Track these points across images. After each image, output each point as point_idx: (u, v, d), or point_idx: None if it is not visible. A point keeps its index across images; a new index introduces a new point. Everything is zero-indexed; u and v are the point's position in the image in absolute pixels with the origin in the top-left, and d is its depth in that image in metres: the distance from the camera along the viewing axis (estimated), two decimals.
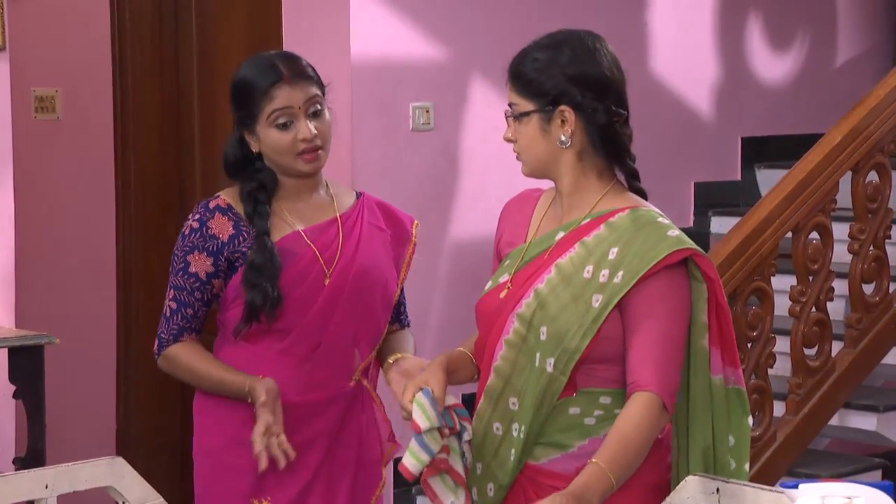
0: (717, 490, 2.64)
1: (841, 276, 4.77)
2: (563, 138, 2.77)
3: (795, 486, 2.37)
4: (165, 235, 5.56)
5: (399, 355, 3.23)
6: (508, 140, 2.85)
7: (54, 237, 5.71)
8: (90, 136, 5.65)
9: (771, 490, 2.57)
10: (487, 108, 5.18)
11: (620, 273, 2.71)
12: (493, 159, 5.18)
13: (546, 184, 2.90)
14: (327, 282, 3.16)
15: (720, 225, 5.75)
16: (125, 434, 5.60)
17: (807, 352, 4.67)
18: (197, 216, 3.19)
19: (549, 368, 2.73)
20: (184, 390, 5.59)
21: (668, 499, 2.70)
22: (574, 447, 2.75)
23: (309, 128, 3.15)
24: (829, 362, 4.70)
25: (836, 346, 4.77)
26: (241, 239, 3.16)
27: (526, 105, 2.80)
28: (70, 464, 2.81)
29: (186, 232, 3.18)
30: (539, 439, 2.76)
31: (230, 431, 3.19)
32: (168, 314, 3.20)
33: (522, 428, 2.74)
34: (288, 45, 4.99)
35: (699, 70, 5.85)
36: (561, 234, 2.81)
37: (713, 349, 2.76)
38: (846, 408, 4.85)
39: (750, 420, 2.82)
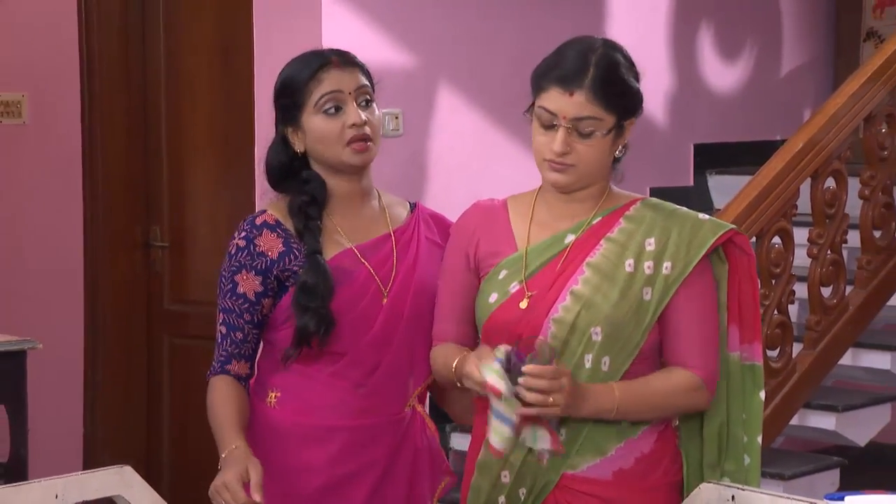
0: (733, 497, 2.58)
1: (800, 279, 4.75)
2: (621, 147, 2.71)
3: (841, 499, 2.31)
4: (133, 239, 5.43)
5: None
6: (564, 153, 2.65)
7: (20, 241, 5.56)
8: (57, 140, 5.48)
9: (788, 497, 2.51)
10: (454, 114, 5.13)
11: (667, 263, 2.66)
12: (460, 165, 5.13)
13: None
14: (385, 301, 2.88)
15: None
16: (92, 439, 5.44)
17: (769, 353, 4.63)
18: (243, 234, 2.89)
19: (605, 367, 2.66)
20: (150, 396, 5.47)
21: None
22: (612, 451, 2.69)
23: (359, 113, 2.86)
24: (790, 364, 4.67)
25: (796, 348, 4.74)
26: (292, 257, 2.87)
27: (609, 119, 2.66)
28: (80, 473, 2.72)
29: (233, 251, 2.89)
30: (577, 444, 2.67)
31: (272, 463, 2.90)
32: (219, 339, 2.92)
33: (563, 431, 2.65)
34: (259, 52, 4.89)
35: (654, 79, 5.80)
36: (571, 237, 2.71)
37: (732, 327, 2.74)
38: (805, 408, 4.82)
39: (762, 395, 2.79)
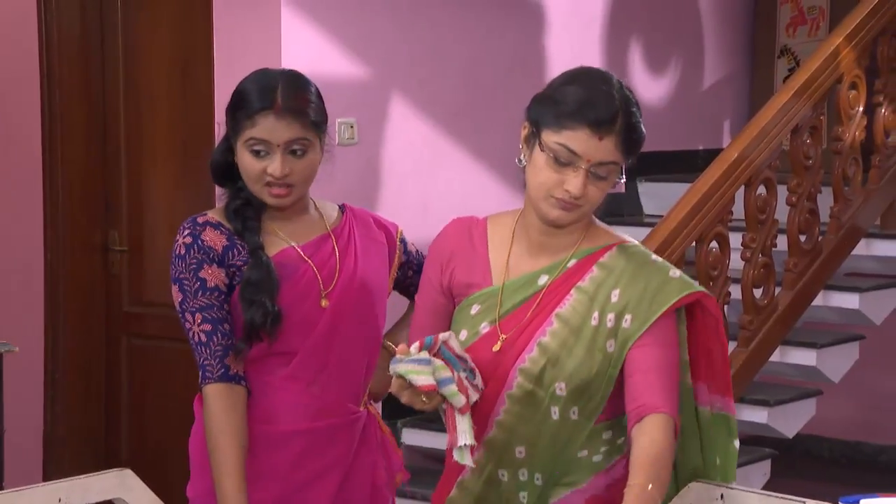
0: (721, 496, 2.50)
1: (734, 281, 4.72)
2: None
3: (857, 502, 2.24)
4: (92, 243, 5.28)
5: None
6: (579, 196, 2.40)
7: None
8: (17, 148, 5.30)
9: (779, 497, 2.44)
10: (406, 123, 5.06)
11: (628, 317, 2.44)
12: (411, 171, 5.06)
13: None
14: (325, 303, 2.73)
15: None
16: (52, 438, 5.27)
17: None
18: (187, 231, 2.73)
19: (574, 416, 2.48)
20: (108, 395, 5.31)
21: None
22: (584, 483, 2.52)
23: (281, 166, 2.68)
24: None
25: (730, 346, 4.71)
26: (235, 252, 2.72)
27: (622, 162, 2.44)
28: (82, 476, 2.60)
29: (182, 252, 2.71)
30: (550, 483, 2.52)
31: None
32: (204, 339, 2.68)
33: (536, 476, 2.49)
34: (219, 64, 4.76)
35: None
36: (545, 279, 2.49)
37: (699, 384, 2.54)
38: (739, 402, 4.79)
39: (736, 443, 2.59)
